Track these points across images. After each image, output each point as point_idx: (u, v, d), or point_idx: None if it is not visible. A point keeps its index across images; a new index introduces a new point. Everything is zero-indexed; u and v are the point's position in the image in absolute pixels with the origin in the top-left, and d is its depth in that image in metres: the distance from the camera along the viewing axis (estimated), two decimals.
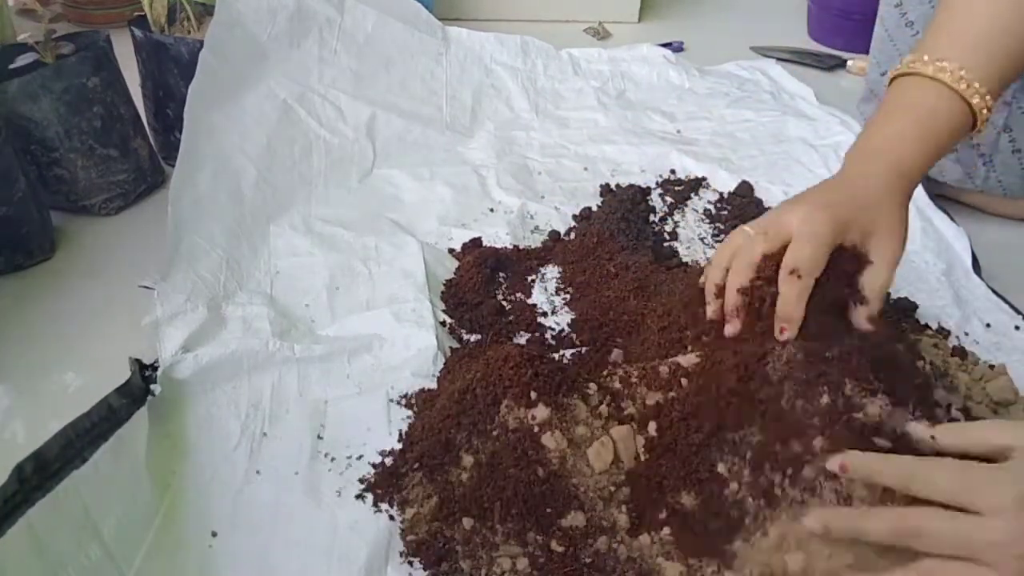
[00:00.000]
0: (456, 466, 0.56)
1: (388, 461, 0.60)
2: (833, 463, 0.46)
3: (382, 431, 0.63)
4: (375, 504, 0.57)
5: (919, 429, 0.47)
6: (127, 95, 0.92)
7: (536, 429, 0.56)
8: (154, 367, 0.65)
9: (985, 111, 0.60)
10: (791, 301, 0.53)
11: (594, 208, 0.93)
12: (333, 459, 0.62)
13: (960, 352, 0.69)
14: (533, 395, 0.57)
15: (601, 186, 0.97)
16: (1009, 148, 0.86)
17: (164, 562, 0.53)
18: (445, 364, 0.69)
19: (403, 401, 0.66)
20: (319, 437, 0.63)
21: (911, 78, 0.62)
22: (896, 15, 0.90)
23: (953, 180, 0.91)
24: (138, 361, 0.64)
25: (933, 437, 0.47)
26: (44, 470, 0.52)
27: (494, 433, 0.57)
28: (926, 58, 0.61)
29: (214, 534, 0.56)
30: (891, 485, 0.45)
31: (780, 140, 1.06)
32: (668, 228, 0.91)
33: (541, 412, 0.56)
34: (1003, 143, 0.86)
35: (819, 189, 0.60)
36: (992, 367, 0.67)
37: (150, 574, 0.52)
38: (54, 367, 0.59)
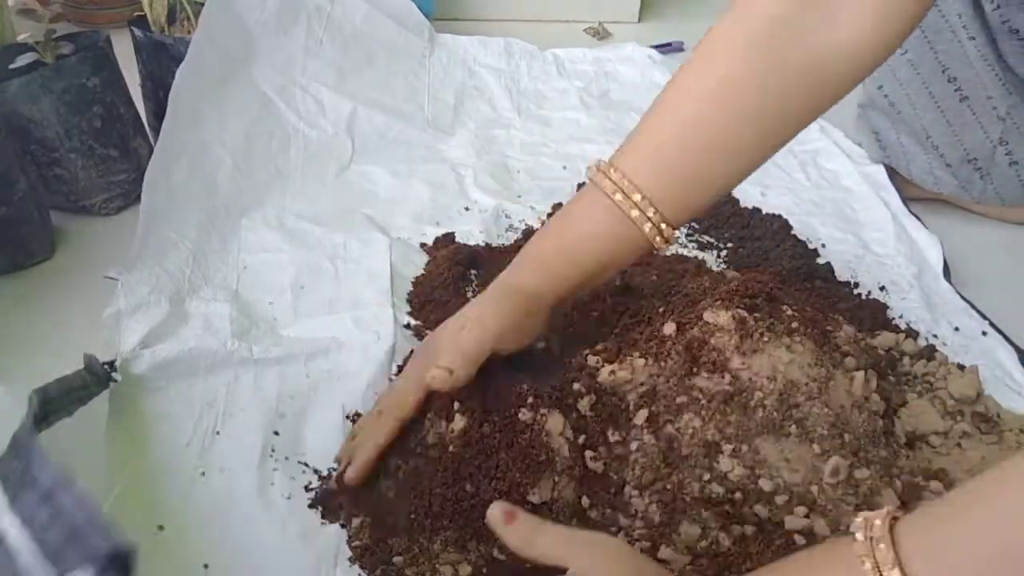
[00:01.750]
0: (382, 484, 0.56)
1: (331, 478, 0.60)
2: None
3: (332, 439, 0.63)
4: (322, 517, 0.58)
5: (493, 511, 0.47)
6: (127, 95, 0.92)
7: (455, 443, 0.54)
8: (111, 363, 0.65)
9: (659, 238, 0.56)
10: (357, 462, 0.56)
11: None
12: (285, 459, 0.62)
13: (929, 352, 0.69)
14: (456, 406, 0.56)
15: (578, 185, 0.96)
16: (1006, 161, 0.86)
17: None
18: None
19: (354, 417, 0.65)
20: (273, 438, 0.63)
21: (594, 190, 0.57)
22: None
23: (949, 192, 0.91)
24: (92, 357, 0.64)
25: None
26: (47, 405, 0.54)
27: (416, 450, 0.56)
28: (612, 174, 0.56)
29: (160, 527, 0.56)
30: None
31: None
32: None
33: (458, 423, 0.55)
34: (999, 156, 0.86)
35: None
36: (961, 367, 0.67)
37: None
38: (54, 367, 0.59)
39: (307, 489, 0.60)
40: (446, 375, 0.55)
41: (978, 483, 0.38)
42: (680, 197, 0.56)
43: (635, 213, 0.55)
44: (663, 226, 0.56)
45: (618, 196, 0.55)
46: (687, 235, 0.89)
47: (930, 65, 0.86)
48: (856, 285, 0.80)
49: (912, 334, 0.72)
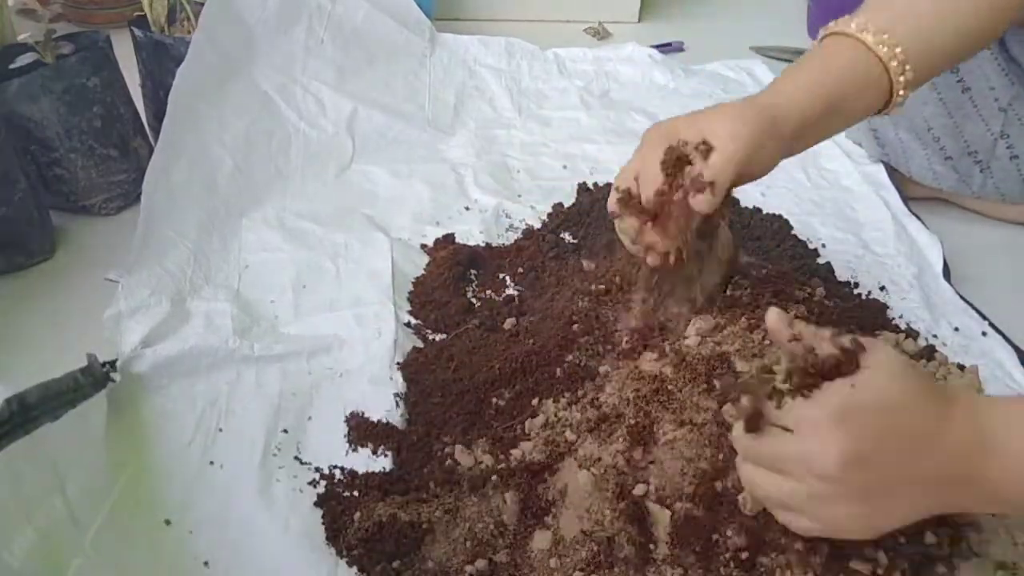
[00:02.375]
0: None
1: (338, 481, 0.60)
2: None
3: (335, 437, 0.64)
4: (324, 515, 0.58)
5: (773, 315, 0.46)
6: (127, 95, 0.92)
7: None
8: (112, 363, 0.65)
9: (901, 79, 0.58)
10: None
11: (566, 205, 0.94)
12: (288, 457, 0.62)
13: (928, 352, 0.69)
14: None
15: (579, 184, 0.97)
16: (1007, 155, 0.86)
17: (116, 538, 0.54)
18: (410, 364, 0.70)
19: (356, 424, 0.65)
20: (275, 436, 0.64)
21: (834, 36, 0.60)
22: None
23: (949, 187, 0.91)
24: (94, 356, 0.64)
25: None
26: (25, 412, 0.54)
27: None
28: (856, 22, 0.59)
29: (167, 522, 0.57)
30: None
31: None
32: None
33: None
34: (1000, 150, 0.86)
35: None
36: (961, 367, 0.67)
37: (104, 545, 0.53)
38: (53, 367, 0.59)
39: (311, 484, 0.60)
40: (712, 200, 0.54)
41: None
42: (923, 55, 0.59)
43: (883, 50, 0.58)
44: (907, 67, 0.58)
45: (866, 35, 0.58)
46: None
47: None
48: (856, 285, 0.80)
49: (912, 334, 0.72)
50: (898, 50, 0.58)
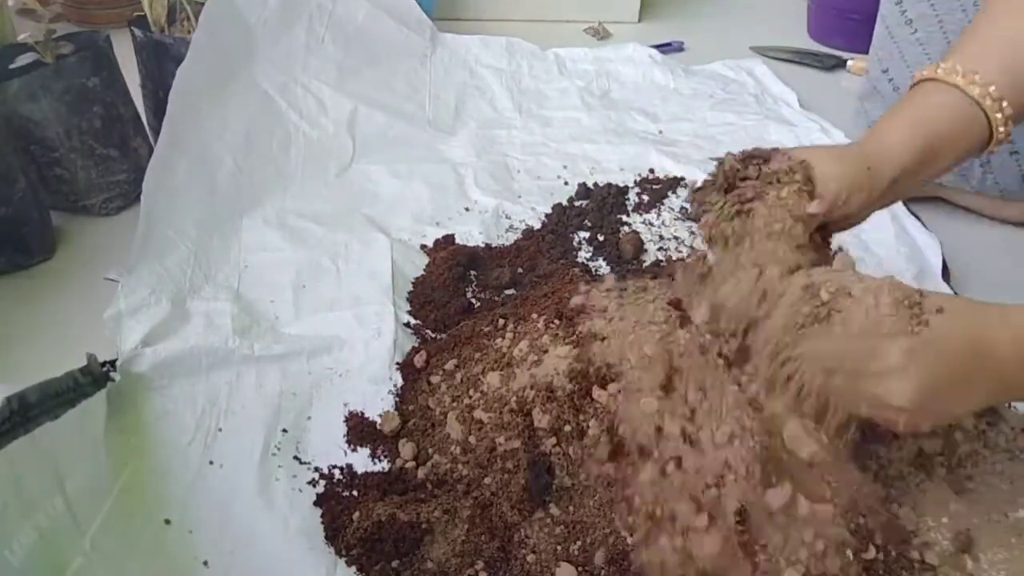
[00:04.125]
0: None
1: (338, 480, 0.60)
2: None
3: (335, 437, 0.64)
4: (323, 515, 0.58)
5: None
6: (127, 95, 0.92)
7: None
8: (112, 363, 0.66)
9: (999, 116, 0.58)
10: None
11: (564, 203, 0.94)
12: (287, 457, 0.62)
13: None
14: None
15: (579, 184, 0.97)
16: (1006, 149, 0.86)
17: (116, 537, 0.54)
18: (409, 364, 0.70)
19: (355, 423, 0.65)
20: (275, 436, 0.64)
21: (926, 83, 0.60)
22: (896, 12, 0.90)
23: (949, 182, 0.91)
24: (93, 356, 0.64)
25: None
26: (25, 411, 0.54)
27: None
28: (944, 66, 0.59)
29: (167, 521, 0.57)
30: None
31: (760, 144, 1.06)
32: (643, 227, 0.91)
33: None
34: None
35: None
36: None
37: (104, 544, 0.53)
38: (54, 367, 0.59)
39: (311, 484, 0.60)
40: (819, 207, 0.56)
41: None
42: (1016, 91, 0.58)
43: (976, 91, 0.58)
44: (1004, 104, 0.58)
45: (957, 78, 0.58)
46: (690, 233, 0.89)
47: (939, 45, 0.85)
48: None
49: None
50: (991, 88, 0.58)
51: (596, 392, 0.56)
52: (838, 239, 0.85)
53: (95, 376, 0.62)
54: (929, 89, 0.60)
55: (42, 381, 0.57)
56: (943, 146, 0.59)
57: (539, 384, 0.58)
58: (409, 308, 0.78)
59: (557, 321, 0.62)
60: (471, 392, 0.62)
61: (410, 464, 0.60)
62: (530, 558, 0.53)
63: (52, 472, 0.53)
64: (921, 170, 0.60)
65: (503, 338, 0.66)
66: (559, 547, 0.53)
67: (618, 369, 0.57)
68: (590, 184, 0.97)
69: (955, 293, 0.79)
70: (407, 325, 0.75)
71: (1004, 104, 0.58)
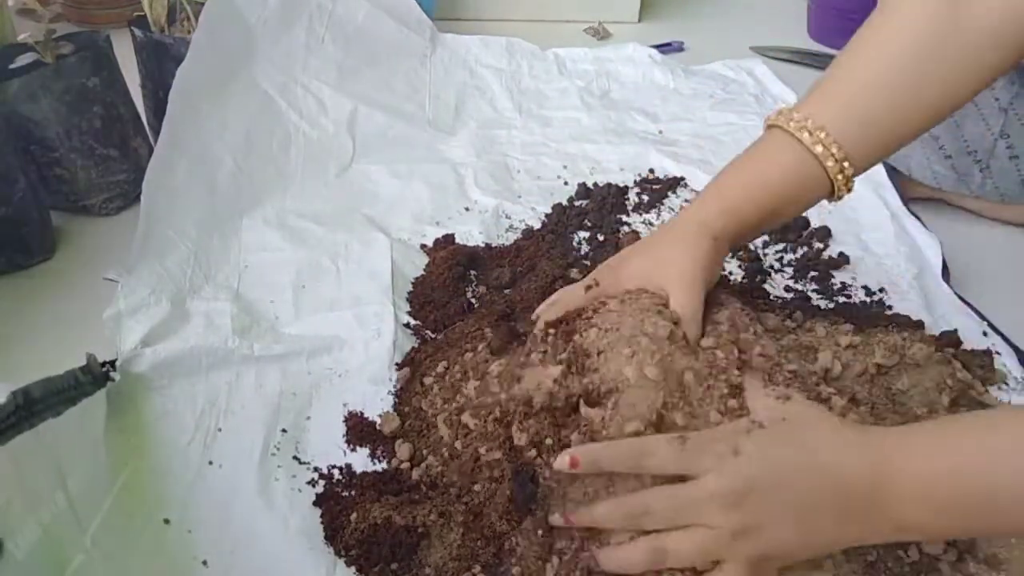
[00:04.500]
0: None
1: (337, 481, 0.60)
2: (562, 461, 0.49)
3: (334, 437, 0.64)
4: (322, 515, 0.58)
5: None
6: (127, 95, 0.92)
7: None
8: (112, 363, 0.66)
9: (840, 176, 0.58)
10: None
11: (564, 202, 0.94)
12: (287, 457, 0.62)
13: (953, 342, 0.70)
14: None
15: (579, 184, 0.97)
16: (1006, 154, 0.86)
17: (116, 536, 0.54)
18: (411, 359, 0.70)
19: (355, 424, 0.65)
20: (274, 436, 0.64)
21: (775, 130, 0.60)
22: None
23: (949, 187, 0.91)
24: (93, 356, 0.64)
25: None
26: (30, 406, 0.54)
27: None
28: (795, 115, 0.59)
29: (167, 521, 0.57)
30: (621, 469, 0.48)
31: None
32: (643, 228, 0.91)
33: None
34: (1000, 149, 0.86)
35: (641, 245, 0.64)
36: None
37: (104, 543, 0.53)
38: (54, 367, 0.59)
39: (310, 484, 0.60)
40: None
41: (969, 420, 0.45)
42: (862, 145, 0.58)
43: (819, 149, 0.57)
44: (846, 164, 0.57)
45: (803, 134, 0.57)
46: None
47: None
48: (854, 286, 0.80)
49: (914, 325, 0.72)
50: (835, 148, 0.57)
51: (584, 409, 0.54)
52: (839, 240, 0.85)
53: (95, 375, 0.62)
54: (775, 142, 0.60)
55: (45, 378, 0.57)
56: (783, 205, 0.61)
57: (519, 398, 0.57)
58: (409, 308, 0.78)
59: (552, 331, 0.60)
60: (458, 396, 0.62)
61: (405, 465, 0.60)
62: (515, 571, 0.52)
63: (55, 468, 0.53)
64: (761, 225, 0.62)
65: (473, 352, 0.65)
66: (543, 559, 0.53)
67: (611, 387, 0.54)
68: (590, 184, 0.97)
69: (955, 293, 0.79)
70: (407, 326, 0.75)
71: (846, 165, 0.58)
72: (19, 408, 0.54)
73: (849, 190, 0.60)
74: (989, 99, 0.84)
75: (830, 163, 0.57)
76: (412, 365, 0.69)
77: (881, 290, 0.80)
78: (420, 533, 0.54)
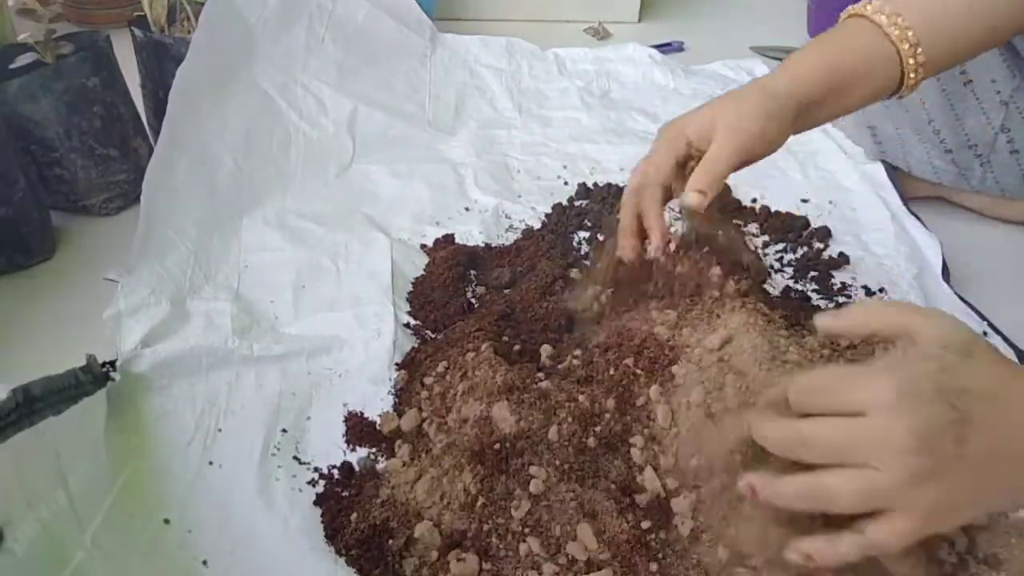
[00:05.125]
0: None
1: (337, 480, 0.60)
2: (743, 485, 0.43)
3: (334, 437, 0.64)
4: (323, 515, 0.58)
5: (820, 321, 0.45)
6: (127, 95, 0.92)
7: None
8: (112, 363, 0.66)
9: (912, 61, 0.60)
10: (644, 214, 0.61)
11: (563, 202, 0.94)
12: (287, 457, 0.62)
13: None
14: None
15: (579, 184, 0.97)
16: (1007, 149, 0.86)
17: (116, 536, 0.54)
18: (411, 361, 0.70)
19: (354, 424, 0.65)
20: (274, 436, 0.64)
21: (853, 18, 0.63)
22: None
23: (948, 182, 0.91)
24: (93, 356, 0.64)
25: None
26: (30, 404, 0.54)
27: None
28: (873, 4, 0.61)
29: (167, 521, 0.57)
30: (783, 454, 0.42)
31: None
32: None
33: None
34: (1000, 143, 0.86)
35: (706, 103, 0.64)
36: None
37: (104, 542, 0.53)
38: (54, 367, 0.59)
39: (310, 484, 0.60)
40: (702, 199, 0.57)
41: None
42: (939, 36, 0.60)
43: (895, 32, 0.59)
44: (919, 51, 0.59)
45: (880, 17, 0.60)
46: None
47: None
48: (854, 286, 0.80)
49: None
50: (910, 33, 0.59)
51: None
52: (839, 240, 0.85)
53: (95, 375, 0.62)
54: (852, 25, 0.62)
55: (46, 376, 0.57)
56: (854, 83, 0.61)
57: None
58: (409, 308, 0.78)
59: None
60: (451, 401, 0.62)
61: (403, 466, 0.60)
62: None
63: (55, 466, 0.53)
64: (828, 100, 0.62)
65: (475, 352, 0.65)
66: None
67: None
68: (590, 184, 0.97)
69: (956, 293, 0.79)
70: (407, 326, 0.75)
71: (919, 51, 0.60)
72: (19, 406, 0.54)
73: (916, 83, 0.61)
74: (991, 92, 0.84)
75: (905, 46, 0.59)
76: (412, 365, 0.69)
77: (881, 290, 0.80)
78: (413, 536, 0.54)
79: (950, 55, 0.62)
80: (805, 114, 0.61)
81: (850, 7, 0.63)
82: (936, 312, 0.43)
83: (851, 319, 0.45)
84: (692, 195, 0.57)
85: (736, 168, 0.59)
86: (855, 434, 0.40)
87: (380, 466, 0.61)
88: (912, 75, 0.61)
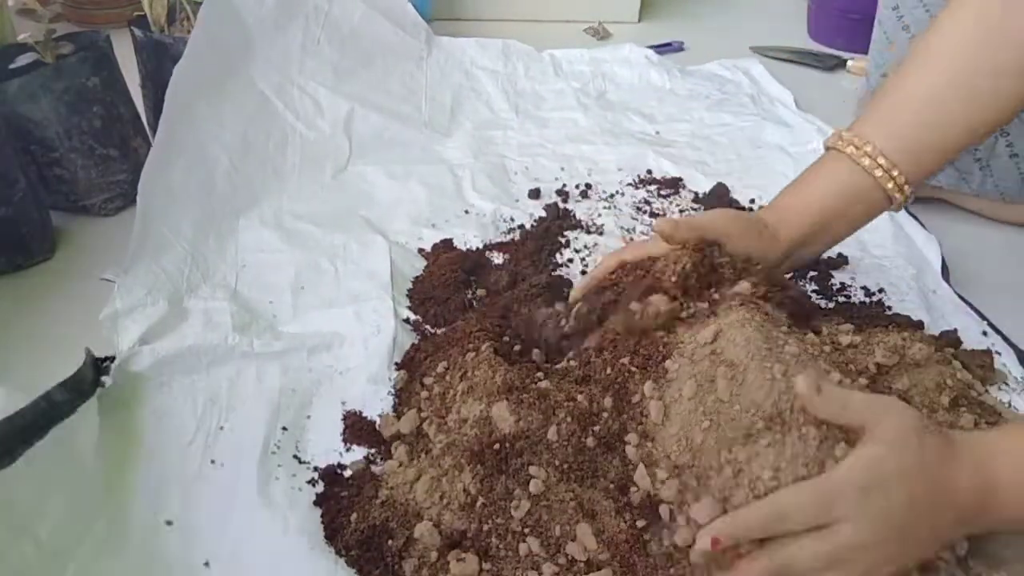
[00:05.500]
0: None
1: (337, 480, 0.60)
2: (703, 543, 0.46)
3: (335, 434, 0.64)
4: (323, 514, 0.58)
5: (801, 383, 0.48)
6: (127, 95, 0.92)
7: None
8: (110, 359, 0.65)
9: (891, 185, 0.62)
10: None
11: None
12: (287, 456, 0.62)
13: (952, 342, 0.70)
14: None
15: (575, 185, 0.97)
16: (1006, 152, 0.86)
17: (116, 536, 0.54)
18: (410, 360, 0.70)
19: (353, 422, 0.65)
20: (275, 434, 0.63)
21: (828, 152, 0.66)
22: (893, 18, 0.90)
23: (948, 184, 0.91)
24: (91, 352, 0.64)
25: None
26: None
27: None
28: (849, 137, 0.64)
29: (168, 522, 0.56)
30: (761, 535, 0.46)
31: (757, 145, 1.06)
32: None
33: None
34: (1000, 148, 0.86)
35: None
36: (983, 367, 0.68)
37: (97, 563, 0.53)
38: (54, 367, 0.59)
39: (310, 483, 0.60)
40: (672, 225, 0.60)
41: None
42: (913, 153, 0.62)
43: (866, 161, 0.62)
44: (895, 173, 0.62)
45: (850, 148, 0.63)
46: None
47: None
48: (853, 286, 0.80)
49: (915, 325, 0.72)
50: (882, 160, 0.62)
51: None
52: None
53: (80, 388, 0.61)
54: (829, 159, 0.65)
55: (8, 416, 0.54)
56: (835, 218, 0.65)
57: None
58: (409, 304, 0.77)
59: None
60: (450, 401, 0.62)
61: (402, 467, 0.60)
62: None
63: (10, 522, 0.51)
64: (816, 239, 0.66)
65: (475, 352, 0.65)
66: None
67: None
68: (589, 184, 0.97)
69: (956, 293, 0.79)
70: (407, 321, 0.75)
71: (895, 173, 0.62)
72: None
73: (906, 197, 0.63)
74: None
75: (878, 173, 0.62)
76: (411, 365, 0.69)
77: (880, 290, 0.80)
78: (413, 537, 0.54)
79: (932, 163, 0.64)
80: (793, 255, 0.65)
81: (827, 138, 0.66)
82: (891, 406, 0.49)
83: (827, 407, 0.48)
84: (663, 221, 0.61)
85: (712, 233, 0.61)
86: (826, 546, 0.45)
87: (378, 468, 0.61)
88: (898, 194, 0.63)
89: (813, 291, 0.80)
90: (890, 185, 0.62)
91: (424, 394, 0.65)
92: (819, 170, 0.66)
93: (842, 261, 0.83)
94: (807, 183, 0.66)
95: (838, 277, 0.82)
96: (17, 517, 0.51)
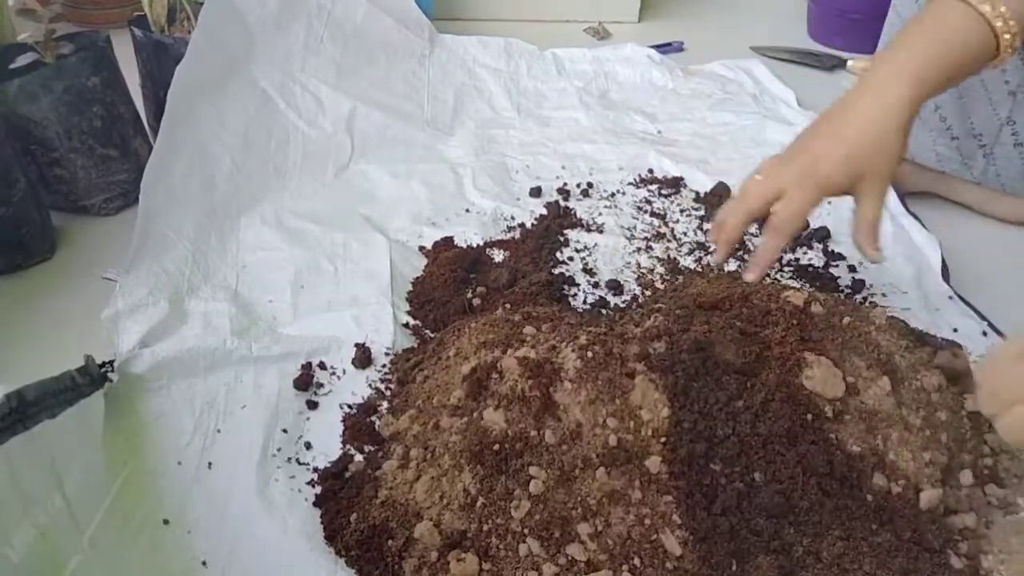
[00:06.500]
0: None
1: (335, 480, 0.60)
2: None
3: (333, 437, 0.64)
4: (322, 515, 0.58)
5: None
6: (127, 95, 0.92)
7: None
8: (110, 364, 0.65)
9: (1007, 36, 0.62)
10: (766, 251, 0.65)
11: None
12: (286, 458, 0.62)
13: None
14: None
15: (576, 184, 0.97)
16: (1011, 141, 0.85)
17: (115, 537, 0.55)
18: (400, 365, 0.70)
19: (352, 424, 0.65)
20: (274, 437, 0.64)
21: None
22: (911, 1, 0.89)
23: (951, 169, 0.90)
24: (91, 357, 0.64)
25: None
26: (24, 408, 0.54)
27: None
28: None
29: (166, 522, 0.57)
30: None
31: (759, 144, 1.06)
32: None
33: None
34: (1005, 135, 0.85)
35: (826, 127, 0.66)
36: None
37: (102, 544, 0.53)
38: (53, 367, 0.59)
39: (310, 485, 0.60)
40: (882, 255, 0.66)
41: None
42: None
43: (986, 8, 0.62)
44: (1012, 23, 0.62)
45: (985, 7, 0.62)
46: (693, 230, 0.89)
47: None
48: (854, 286, 0.80)
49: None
50: (1003, 9, 0.61)
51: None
52: (838, 241, 0.85)
53: (93, 377, 0.62)
54: (940, 6, 0.64)
55: (41, 380, 0.57)
56: (958, 73, 0.64)
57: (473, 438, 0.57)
58: (408, 308, 0.78)
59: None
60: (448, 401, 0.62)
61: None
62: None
63: (51, 470, 0.53)
64: (937, 92, 0.65)
65: (472, 356, 0.65)
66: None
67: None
68: (590, 184, 0.96)
69: (956, 293, 0.79)
70: (406, 326, 0.75)
71: (1012, 23, 0.62)
72: (13, 411, 0.53)
73: (1013, 50, 0.63)
74: (999, 82, 0.83)
75: (998, 23, 0.62)
76: (409, 366, 0.69)
77: (871, 285, 0.80)
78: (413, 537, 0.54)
79: None
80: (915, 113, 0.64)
81: None
82: None
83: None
84: (874, 254, 0.65)
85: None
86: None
87: (378, 469, 0.61)
88: (1007, 46, 0.63)
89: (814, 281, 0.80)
90: (1007, 36, 0.62)
91: (423, 394, 0.64)
92: (945, 19, 0.64)
93: (842, 260, 0.83)
94: (934, 33, 0.64)
95: (837, 274, 0.82)
96: (52, 468, 0.53)
